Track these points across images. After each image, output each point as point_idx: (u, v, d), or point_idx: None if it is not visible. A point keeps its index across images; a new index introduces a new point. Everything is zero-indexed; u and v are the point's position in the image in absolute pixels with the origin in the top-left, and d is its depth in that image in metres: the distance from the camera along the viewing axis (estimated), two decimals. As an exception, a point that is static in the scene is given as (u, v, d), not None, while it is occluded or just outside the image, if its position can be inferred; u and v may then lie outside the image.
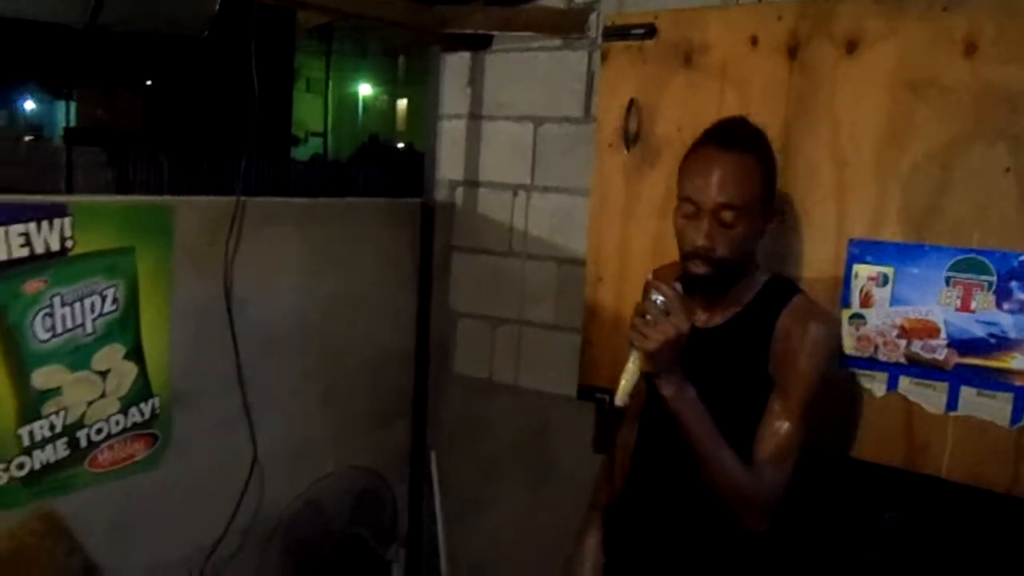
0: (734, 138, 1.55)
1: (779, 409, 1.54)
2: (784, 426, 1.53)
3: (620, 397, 1.50)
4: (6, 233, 1.76)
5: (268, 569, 2.32)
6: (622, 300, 2.24)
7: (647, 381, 1.55)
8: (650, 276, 1.59)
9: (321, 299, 2.45)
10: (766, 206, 1.58)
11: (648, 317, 1.46)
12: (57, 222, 1.84)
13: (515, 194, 2.66)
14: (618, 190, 2.22)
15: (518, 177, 2.66)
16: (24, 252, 1.79)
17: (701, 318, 1.64)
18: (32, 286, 1.81)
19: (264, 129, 4.64)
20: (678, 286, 1.49)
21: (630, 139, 2.19)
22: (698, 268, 1.54)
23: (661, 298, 1.46)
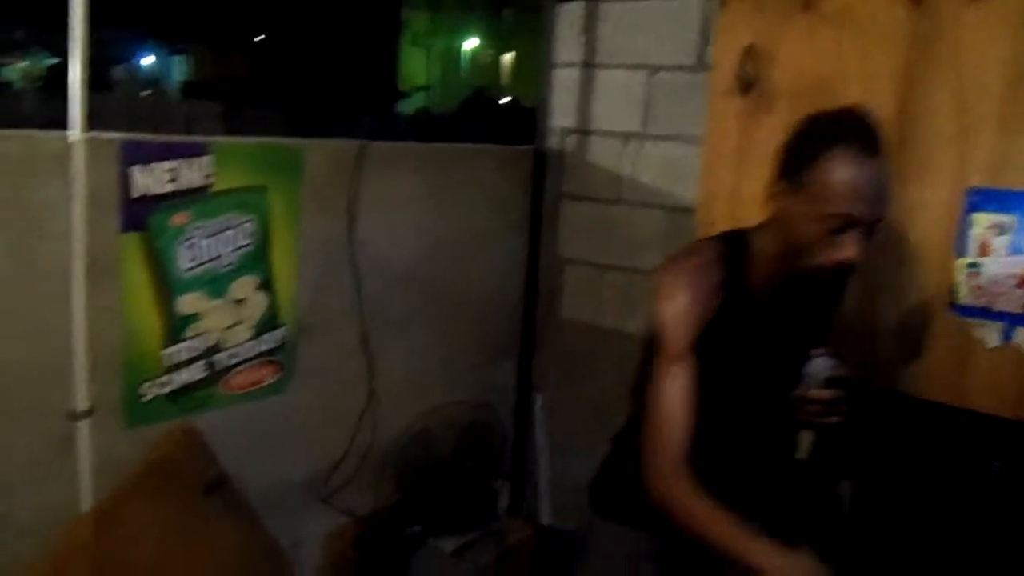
0: (875, 141, 1.45)
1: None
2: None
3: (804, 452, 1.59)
4: (156, 169, 1.91)
5: (381, 492, 2.47)
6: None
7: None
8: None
9: (436, 241, 2.56)
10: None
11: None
12: (199, 160, 1.98)
13: (626, 142, 2.69)
14: (732, 137, 2.23)
15: (630, 125, 2.68)
16: (171, 187, 1.94)
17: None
18: (178, 218, 1.96)
19: (370, 83, 4.74)
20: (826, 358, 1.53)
21: (746, 85, 2.19)
22: (828, 278, 1.47)
23: (827, 374, 1.52)
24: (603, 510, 1.79)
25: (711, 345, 1.50)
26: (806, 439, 1.57)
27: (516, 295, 2.86)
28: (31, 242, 1.73)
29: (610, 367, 2.79)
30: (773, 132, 2.13)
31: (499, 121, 3.46)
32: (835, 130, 1.45)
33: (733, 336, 1.53)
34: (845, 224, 1.41)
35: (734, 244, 1.57)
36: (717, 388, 1.52)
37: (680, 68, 2.55)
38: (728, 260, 1.54)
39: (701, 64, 2.49)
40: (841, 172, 1.40)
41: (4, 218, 1.69)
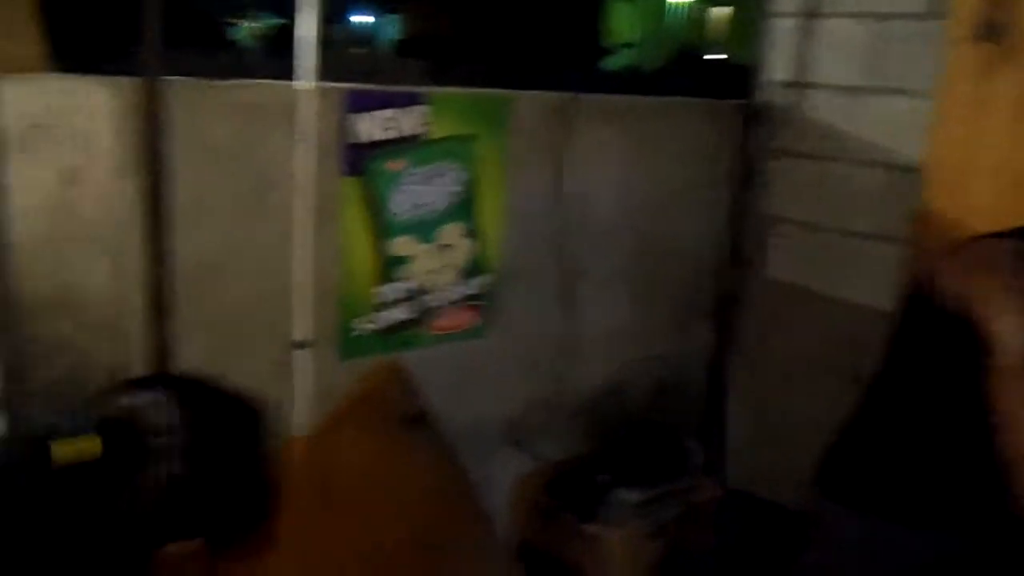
0: None
1: None
2: None
3: None
4: (377, 117, 2.01)
5: (572, 441, 2.52)
6: (962, 210, 2.09)
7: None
8: None
9: (641, 195, 2.54)
10: None
11: None
12: (416, 109, 2.07)
13: (847, 96, 2.54)
14: (968, 90, 2.06)
15: (852, 79, 2.53)
16: (389, 134, 2.04)
17: None
18: (394, 165, 2.07)
19: (574, 39, 4.73)
20: None
21: (989, 33, 2.00)
22: None
23: None
24: (840, 495, 1.71)
25: None
26: None
27: (720, 253, 2.79)
28: (261, 184, 1.88)
29: (816, 332, 2.69)
30: (1018, 85, 1.95)
31: (707, 79, 3.36)
32: None
33: None
34: None
35: None
36: None
37: (910, 16, 2.37)
38: None
39: (933, 11, 2.30)
40: None
41: (238, 161, 1.84)
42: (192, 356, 1.80)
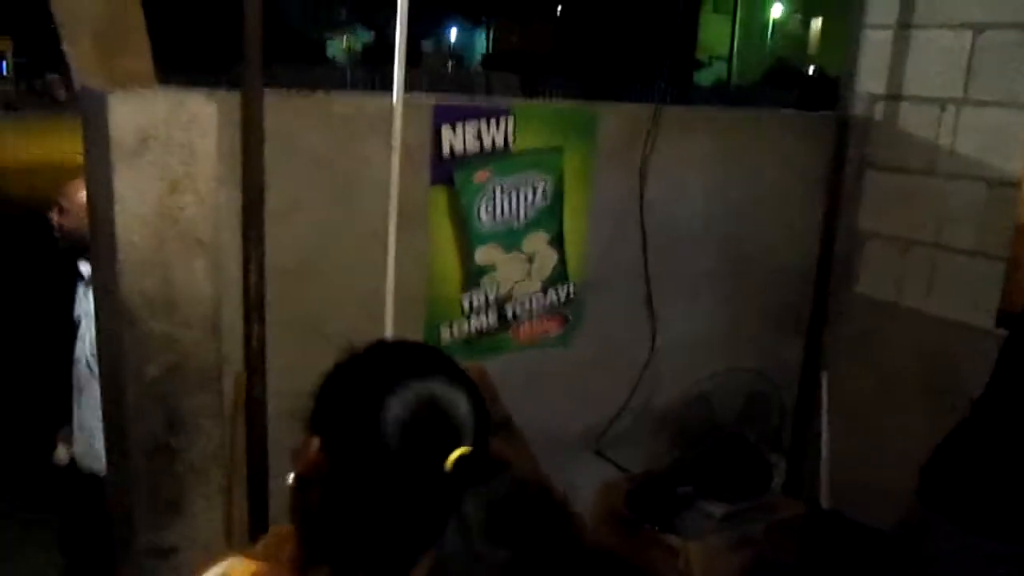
0: None
1: None
2: None
3: None
4: (464, 129, 2.06)
5: (654, 451, 2.51)
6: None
7: None
8: None
9: (726, 206, 2.53)
10: None
11: None
12: (502, 122, 2.11)
13: (943, 109, 2.48)
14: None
15: (948, 90, 2.47)
16: (476, 146, 2.09)
17: None
18: (480, 175, 2.11)
19: (666, 53, 4.69)
20: None
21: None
22: None
23: None
24: (943, 509, 1.68)
25: None
26: None
27: (809, 266, 2.75)
28: (354, 191, 1.95)
29: (907, 349, 2.62)
30: None
31: (803, 92, 3.32)
32: None
33: None
34: None
35: None
36: None
37: (1008, 25, 2.31)
38: None
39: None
40: None
41: (333, 169, 1.92)
42: (284, 355, 1.88)
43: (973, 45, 2.41)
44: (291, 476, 0.88)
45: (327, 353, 1.96)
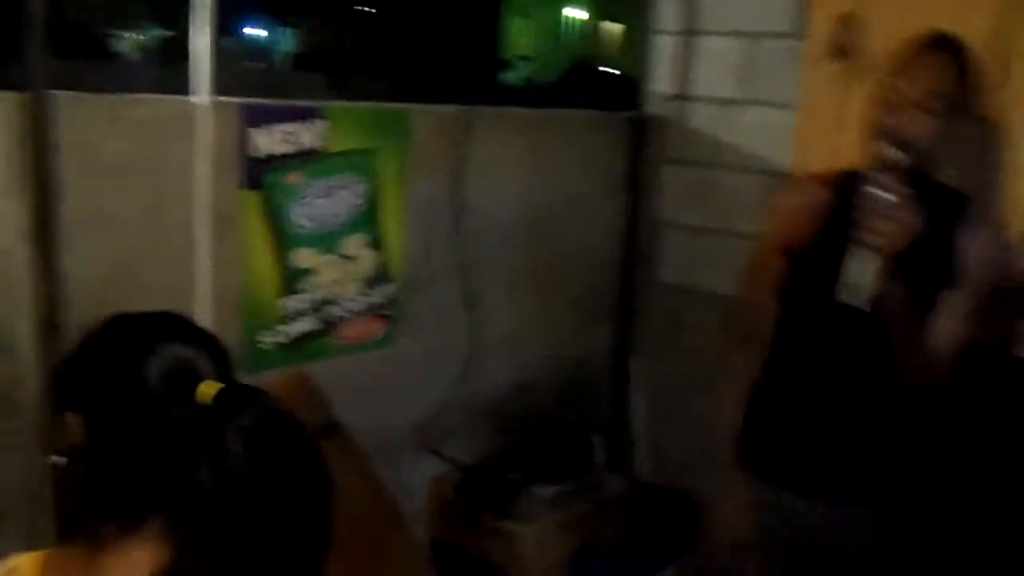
0: (942, 43, 1.61)
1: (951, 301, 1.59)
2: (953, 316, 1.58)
3: (859, 297, 1.54)
4: (274, 131, 2.04)
5: (482, 442, 2.58)
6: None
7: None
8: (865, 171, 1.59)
9: (538, 204, 2.64)
10: (961, 115, 1.58)
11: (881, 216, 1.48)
12: (314, 123, 2.10)
13: (725, 108, 2.71)
14: (828, 104, 2.24)
15: (729, 91, 2.70)
16: (287, 148, 2.07)
17: None
18: (293, 178, 2.09)
19: (473, 52, 4.78)
20: (902, 185, 1.50)
21: (841, 53, 2.19)
22: (896, 154, 1.56)
23: (887, 195, 1.47)
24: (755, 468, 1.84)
25: None
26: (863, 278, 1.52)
27: (615, 257, 2.92)
28: (161, 197, 1.88)
29: (705, 328, 2.82)
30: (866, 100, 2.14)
31: (600, 90, 3.50)
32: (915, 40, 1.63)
33: None
34: (899, 101, 1.58)
35: None
36: None
37: (778, 35, 2.56)
38: None
39: (798, 31, 2.49)
40: (897, 61, 1.64)
41: (136, 176, 1.84)
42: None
43: (747, 51, 2.65)
44: (56, 458, 0.91)
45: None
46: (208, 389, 0.82)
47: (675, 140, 2.86)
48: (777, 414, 1.82)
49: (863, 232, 1.50)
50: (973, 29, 1.64)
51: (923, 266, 1.58)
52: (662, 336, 2.95)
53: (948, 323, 1.59)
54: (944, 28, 1.66)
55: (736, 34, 2.67)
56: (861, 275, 1.51)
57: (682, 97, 2.83)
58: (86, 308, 1.76)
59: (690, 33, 2.79)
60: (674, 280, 2.91)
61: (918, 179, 1.57)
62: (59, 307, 1.73)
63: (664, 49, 2.86)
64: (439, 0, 5.68)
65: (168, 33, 5.00)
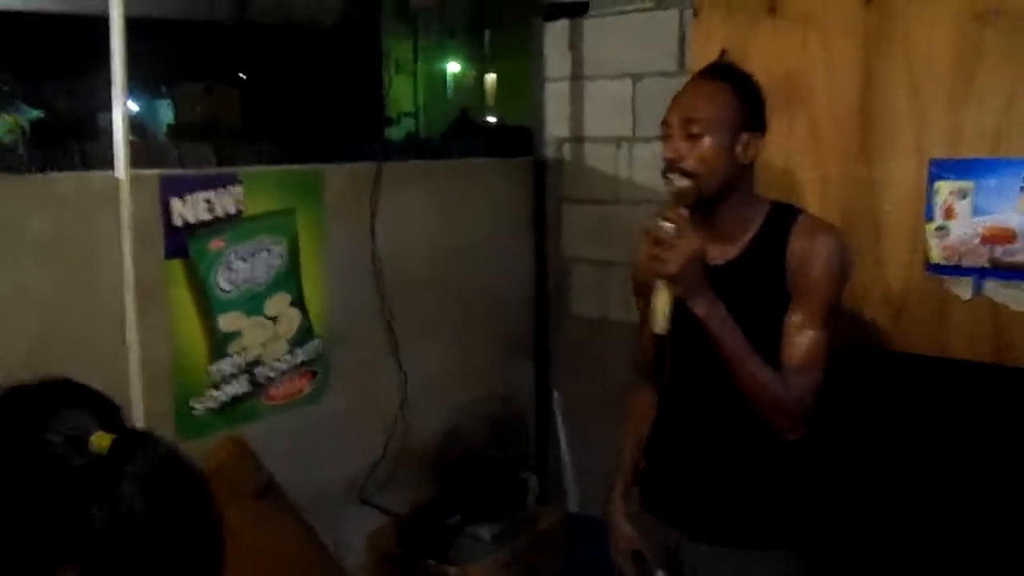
0: (711, 72, 1.74)
1: (799, 320, 1.63)
2: (807, 335, 1.62)
3: (659, 325, 1.61)
4: (193, 200, 2.08)
5: (418, 489, 2.63)
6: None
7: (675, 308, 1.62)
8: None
9: (450, 249, 2.74)
10: (742, 133, 1.66)
11: (662, 244, 1.57)
12: (231, 189, 2.15)
13: (618, 146, 2.88)
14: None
15: (620, 130, 2.88)
16: (208, 215, 2.11)
17: (715, 254, 1.69)
18: (215, 243, 2.13)
19: (358, 112, 4.84)
20: (683, 211, 1.60)
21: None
22: (678, 181, 1.64)
23: (668, 224, 1.57)
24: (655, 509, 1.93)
25: None
26: (659, 307, 1.60)
27: (529, 295, 3.04)
28: (85, 272, 1.90)
29: (619, 358, 2.96)
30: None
31: (487, 140, 3.62)
32: None
33: None
34: (669, 130, 1.69)
35: None
36: None
37: (662, 74, 2.75)
38: None
39: (681, 69, 2.68)
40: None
41: (60, 250, 1.85)
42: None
43: (634, 91, 2.84)
44: None
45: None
46: (101, 440, 0.83)
47: (573, 180, 3.02)
48: (656, 451, 1.89)
49: (651, 264, 1.59)
50: (840, 59, 1.82)
51: (754, 279, 1.67)
52: (579, 368, 3.07)
53: (799, 336, 1.62)
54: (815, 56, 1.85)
55: (622, 75, 2.85)
56: (659, 303, 1.60)
57: (577, 139, 3.00)
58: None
59: (578, 78, 2.96)
60: (585, 313, 3.05)
61: (708, 202, 1.66)
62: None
63: (555, 95, 3.03)
64: (317, 64, 5.75)
65: (43, 113, 4.91)
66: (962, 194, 1.99)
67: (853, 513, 2.15)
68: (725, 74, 1.73)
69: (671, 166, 1.65)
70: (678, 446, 1.81)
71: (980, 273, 2.00)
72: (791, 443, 1.65)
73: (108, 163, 1.93)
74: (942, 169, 2.03)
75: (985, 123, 1.97)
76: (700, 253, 1.57)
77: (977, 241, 1.99)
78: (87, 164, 2.00)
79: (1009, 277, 1.95)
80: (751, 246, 1.70)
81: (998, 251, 1.96)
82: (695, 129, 1.64)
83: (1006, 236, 1.95)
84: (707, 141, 1.64)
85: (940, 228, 2.04)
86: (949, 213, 2.02)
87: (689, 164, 1.64)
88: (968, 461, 2.09)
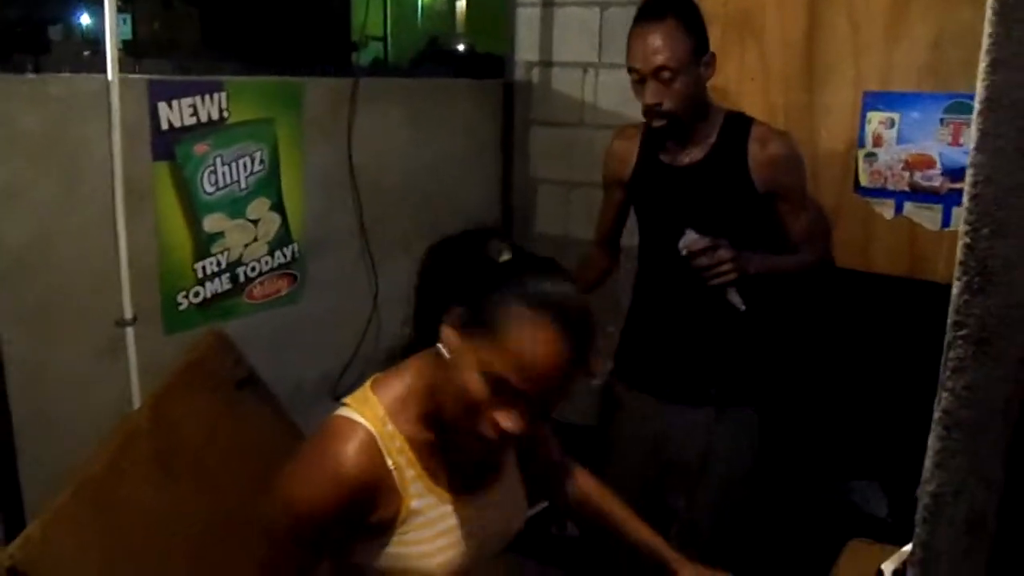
0: (658, 9, 1.89)
1: (789, 208, 1.96)
2: (801, 217, 1.95)
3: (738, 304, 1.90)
4: (180, 105, 2.19)
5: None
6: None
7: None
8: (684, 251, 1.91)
9: (422, 166, 2.87)
10: (699, 57, 1.89)
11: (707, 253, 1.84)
12: (216, 96, 2.26)
13: (585, 71, 3.02)
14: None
15: (587, 56, 3.01)
16: (192, 120, 2.22)
17: (683, 158, 1.99)
18: (200, 148, 2.25)
19: (323, 35, 4.82)
20: (691, 232, 1.85)
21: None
22: (658, 122, 1.91)
23: (692, 234, 1.84)
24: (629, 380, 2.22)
25: None
26: (732, 295, 1.91)
27: (495, 213, 3.19)
28: (77, 171, 2.00)
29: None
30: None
31: (457, 68, 3.68)
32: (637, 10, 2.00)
33: None
34: (640, 77, 1.95)
35: None
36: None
37: (630, 3, 2.86)
38: None
39: (645, -2, 2.81)
40: (629, 37, 1.99)
41: (52, 151, 1.95)
42: (20, 341, 1.91)
43: (602, 19, 2.96)
44: None
45: (67, 337, 1.98)
46: (506, 252, 1.29)
47: (541, 103, 3.15)
48: (635, 329, 2.15)
49: (707, 274, 1.85)
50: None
51: (719, 176, 1.94)
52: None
53: (796, 220, 1.94)
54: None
55: (591, 3, 2.97)
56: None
57: (546, 63, 3.12)
58: (9, 280, 1.88)
59: (549, 4, 3.08)
60: (549, 231, 3.22)
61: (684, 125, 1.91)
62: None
63: (527, 19, 3.14)
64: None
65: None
66: (890, 123, 2.19)
67: (796, 381, 2.40)
68: (673, 8, 1.89)
69: (651, 111, 1.88)
70: (651, 325, 2.10)
71: (901, 196, 2.21)
72: (744, 321, 1.95)
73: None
74: (874, 100, 2.22)
75: (914, 60, 2.16)
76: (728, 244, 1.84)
77: (900, 167, 2.20)
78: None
79: (926, 199, 2.17)
80: (713, 149, 1.96)
81: (917, 176, 2.17)
82: (665, 75, 1.85)
83: (926, 163, 2.16)
84: (679, 80, 1.85)
85: (869, 155, 2.24)
86: (878, 141, 2.22)
87: (668, 105, 1.87)
88: (884, 352, 2.34)
